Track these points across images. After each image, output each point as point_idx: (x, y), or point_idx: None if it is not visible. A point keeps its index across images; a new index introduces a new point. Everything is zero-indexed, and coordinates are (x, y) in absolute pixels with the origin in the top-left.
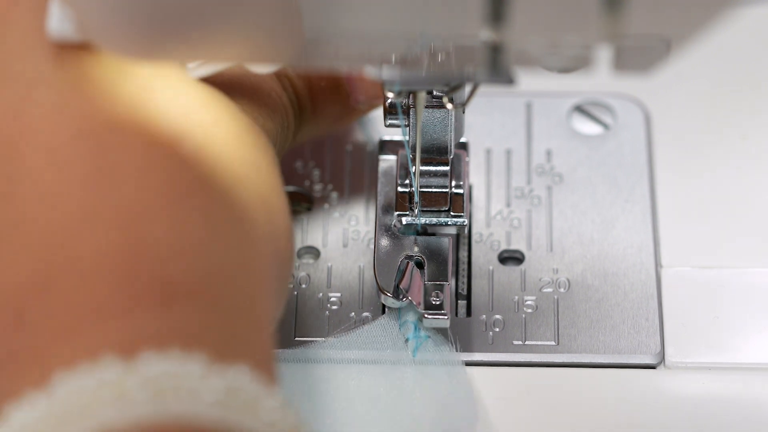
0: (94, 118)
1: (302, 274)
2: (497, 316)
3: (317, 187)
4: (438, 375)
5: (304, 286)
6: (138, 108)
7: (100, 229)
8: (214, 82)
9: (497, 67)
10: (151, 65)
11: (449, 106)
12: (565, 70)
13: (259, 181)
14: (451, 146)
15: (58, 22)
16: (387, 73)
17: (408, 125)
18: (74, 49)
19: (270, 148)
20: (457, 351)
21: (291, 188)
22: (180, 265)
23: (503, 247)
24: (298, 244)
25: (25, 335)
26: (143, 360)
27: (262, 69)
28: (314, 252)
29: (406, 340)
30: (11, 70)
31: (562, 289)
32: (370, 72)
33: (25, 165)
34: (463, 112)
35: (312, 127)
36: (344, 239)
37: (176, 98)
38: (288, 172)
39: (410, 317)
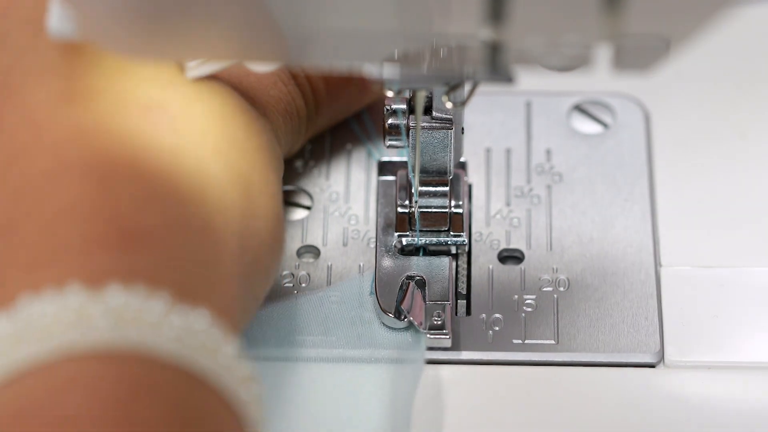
0: (74, 84)
1: (302, 273)
2: (497, 315)
3: (317, 186)
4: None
5: (304, 285)
6: (116, 77)
7: (69, 183)
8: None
9: (497, 66)
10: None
11: (449, 105)
12: (565, 69)
13: (238, 157)
14: (450, 167)
15: (59, 21)
16: (387, 71)
17: (408, 146)
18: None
19: (266, 134)
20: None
21: (291, 187)
22: (143, 216)
23: (503, 246)
24: (299, 243)
25: None
26: (108, 291)
27: (261, 68)
28: (314, 251)
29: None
30: (5, 42)
31: (561, 288)
32: (370, 71)
33: (4, 124)
34: (463, 111)
35: (330, 112)
36: (344, 238)
37: (157, 73)
38: (288, 171)
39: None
